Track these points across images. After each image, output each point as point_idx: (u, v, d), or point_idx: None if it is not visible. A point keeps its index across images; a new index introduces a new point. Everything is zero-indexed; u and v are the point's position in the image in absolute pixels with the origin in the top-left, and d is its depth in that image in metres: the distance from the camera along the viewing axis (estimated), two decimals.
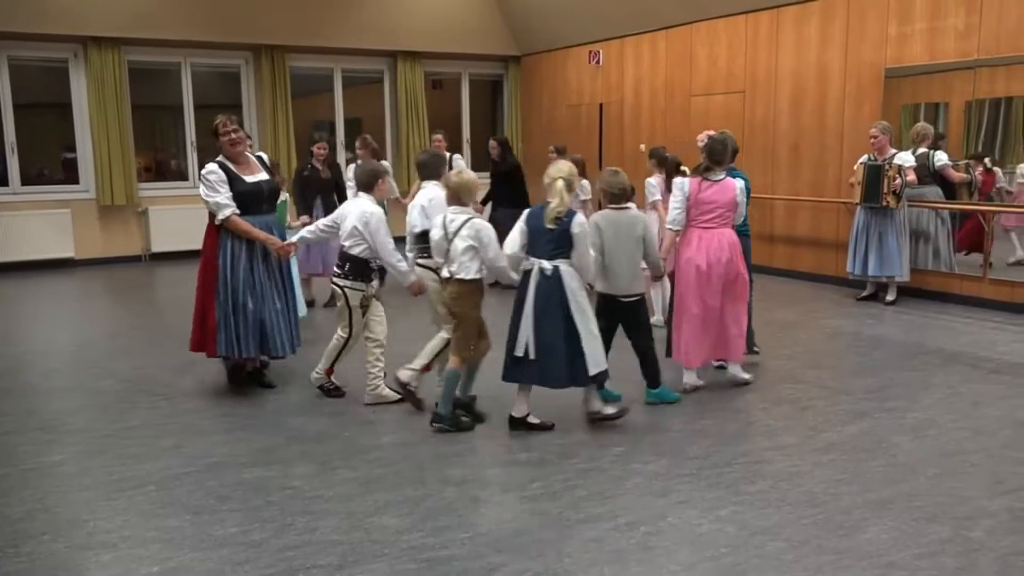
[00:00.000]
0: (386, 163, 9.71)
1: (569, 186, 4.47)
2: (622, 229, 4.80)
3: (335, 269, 5.09)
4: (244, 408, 5.12)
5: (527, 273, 4.48)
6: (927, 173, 7.78)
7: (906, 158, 7.63)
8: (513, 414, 4.64)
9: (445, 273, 4.64)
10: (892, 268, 7.78)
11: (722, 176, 5.23)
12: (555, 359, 4.42)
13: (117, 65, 10.74)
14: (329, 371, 5.24)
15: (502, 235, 4.65)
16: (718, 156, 5.21)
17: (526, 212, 4.62)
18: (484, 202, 9.19)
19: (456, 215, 4.59)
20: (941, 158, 7.79)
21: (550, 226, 4.39)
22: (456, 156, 8.98)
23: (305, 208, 7.74)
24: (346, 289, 4.99)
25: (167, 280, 10.18)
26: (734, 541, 3.36)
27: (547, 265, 4.42)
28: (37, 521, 3.60)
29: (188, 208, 11.30)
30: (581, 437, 4.56)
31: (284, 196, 6.56)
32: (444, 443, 4.49)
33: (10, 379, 5.83)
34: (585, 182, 8.02)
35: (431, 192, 4.98)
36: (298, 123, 12.10)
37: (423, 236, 4.87)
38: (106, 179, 10.80)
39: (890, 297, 7.97)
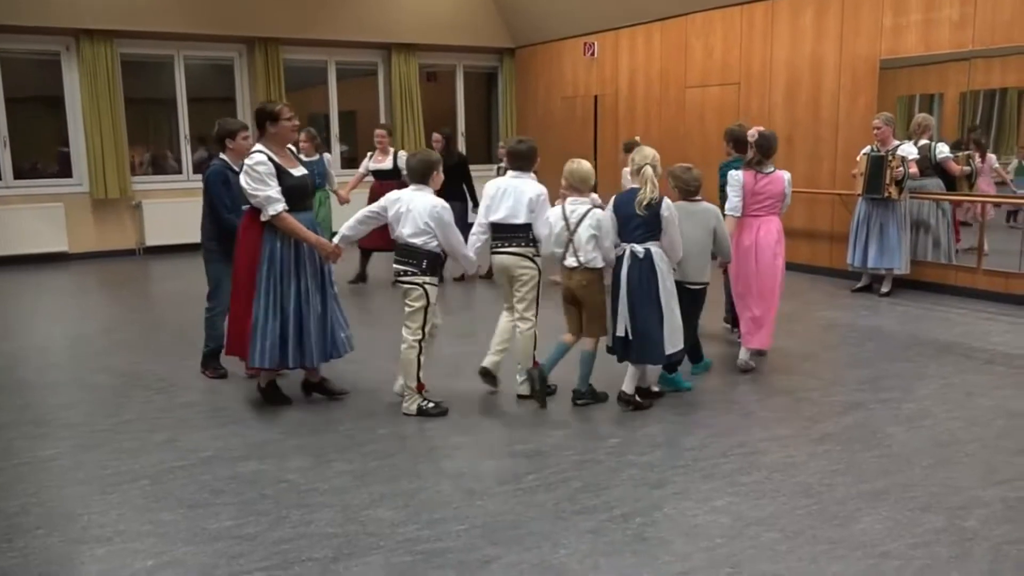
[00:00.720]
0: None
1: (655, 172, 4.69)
2: (695, 220, 5.01)
3: (403, 267, 4.67)
4: (238, 402, 5.11)
5: (620, 258, 4.70)
6: (928, 165, 7.77)
7: (909, 150, 7.62)
8: (624, 390, 4.82)
9: (572, 262, 4.79)
10: (892, 260, 7.79)
11: (772, 169, 5.58)
12: (652, 338, 4.67)
13: (110, 58, 10.68)
14: (421, 387, 4.77)
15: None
16: (767, 150, 5.55)
17: (613, 199, 4.82)
18: None
19: (576, 206, 4.77)
20: (943, 150, 7.79)
21: (641, 212, 4.59)
22: (401, 152, 8.66)
23: None
24: (427, 286, 4.65)
25: (161, 274, 10.15)
26: (729, 532, 3.36)
27: (639, 249, 4.65)
28: (31, 515, 3.59)
29: (182, 202, 11.29)
30: (576, 429, 4.56)
31: None
32: (439, 436, 4.49)
33: (4, 374, 5.81)
34: None
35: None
36: None
37: (499, 226, 4.93)
38: (99, 173, 10.75)
39: (885, 289, 7.98)
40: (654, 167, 4.66)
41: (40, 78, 11.14)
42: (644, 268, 4.63)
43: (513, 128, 13.74)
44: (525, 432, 4.52)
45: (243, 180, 4.62)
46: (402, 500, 3.69)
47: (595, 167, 12.04)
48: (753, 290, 5.56)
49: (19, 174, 10.77)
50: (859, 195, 7.96)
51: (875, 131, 7.71)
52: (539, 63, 13.19)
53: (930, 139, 7.82)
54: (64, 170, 11.09)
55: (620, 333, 4.69)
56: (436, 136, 9.06)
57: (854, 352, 6.16)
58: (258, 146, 4.68)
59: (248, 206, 4.76)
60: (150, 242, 11.21)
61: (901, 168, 7.48)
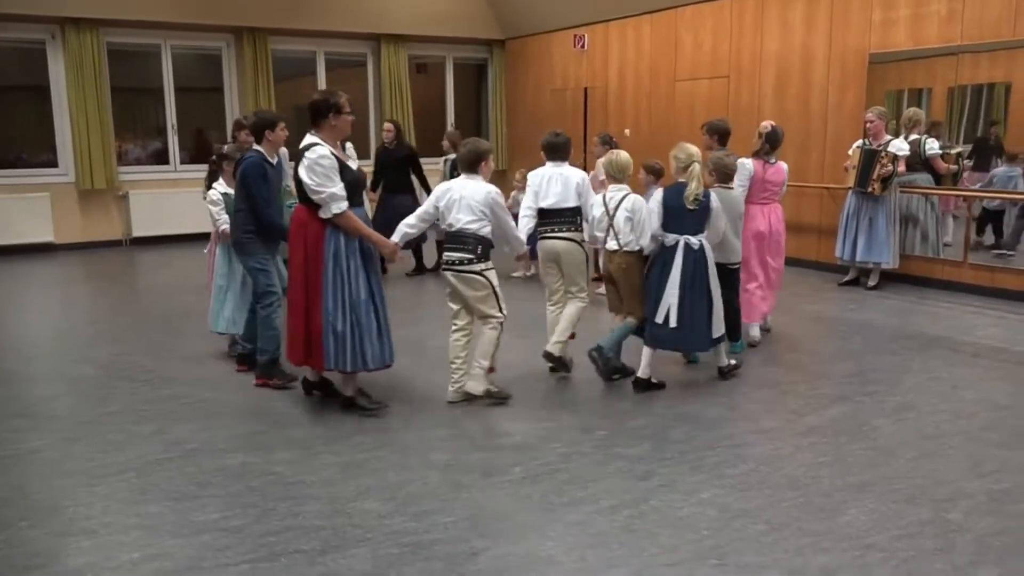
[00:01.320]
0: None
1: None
2: (729, 204, 5.37)
3: (457, 255, 4.67)
4: (225, 394, 5.09)
5: (671, 248, 4.95)
6: (918, 160, 7.80)
7: (900, 146, 7.65)
8: (639, 375, 5.04)
9: (612, 245, 5.12)
10: (880, 254, 7.82)
11: (775, 159, 6.11)
12: (697, 326, 4.96)
13: (96, 47, 10.58)
14: (492, 369, 4.85)
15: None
16: (776, 142, 6.11)
17: (663, 192, 5.04)
18: (374, 188, 8.68)
19: (615, 192, 5.11)
20: (932, 146, 7.82)
21: (691, 206, 4.90)
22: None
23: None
24: (486, 272, 4.70)
25: (148, 265, 10.10)
26: (715, 524, 3.38)
27: (694, 241, 4.94)
28: (15, 508, 3.57)
29: (169, 192, 11.24)
30: (564, 422, 4.57)
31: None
32: (427, 428, 4.49)
33: None
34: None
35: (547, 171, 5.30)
36: (281, 107, 11.97)
37: (550, 211, 5.20)
38: (85, 163, 10.67)
39: (872, 282, 8.02)
40: (700, 164, 5.00)
41: (25, 67, 11.03)
42: (698, 259, 4.93)
43: (503, 120, 13.72)
44: (513, 424, 4.52)
45: (305, 175, 4.34)
46: (389, 492, 3.69)
47: (584, 160, 12.07)
48: (769, 271, 6.13)
49: (4, 164, 10.67)
50: (850, 188, 7.99)
51: (868, 124, 7.72)
52: (529, 55, 13.16)
53: (920, 134, 7.85)
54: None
55: (659, 319, 4.92)
56: (387, 126, 8.97)
57: (841, 345, 6.19)
58: (315, 139, 4.42)
59: (296, 202, 4.61)
60: (137, 233, 11.14)
61: (890, 167, 7.51)
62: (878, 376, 5.36)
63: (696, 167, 4.92)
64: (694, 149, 4.99)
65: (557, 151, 5.29)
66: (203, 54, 11.84)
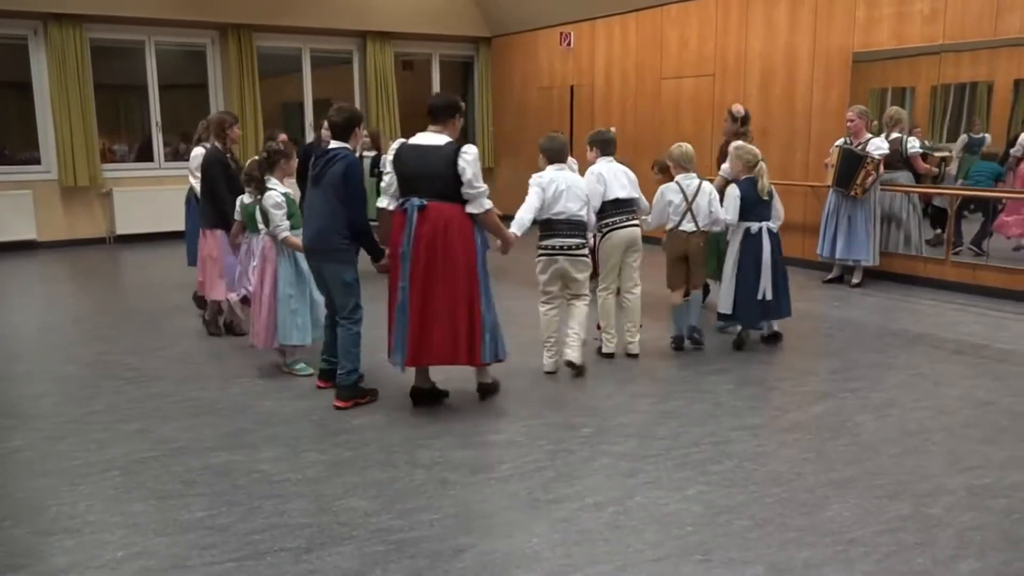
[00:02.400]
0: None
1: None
2: None
3: (573, 240, 5.16)
4: (211, 392, 5.07)
5: (756, 234, 5.69)
6: (899, 158, 7.86)
7: (880, 144, 7.70)
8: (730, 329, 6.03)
9: (690, 227, 5.66)
10: (859, 252, 7.88)
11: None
12: (784, 295, 5.83)
13: (79, 43, 10.50)
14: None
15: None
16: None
17: (739, 187, 5.74)
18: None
19: (689, 180, 5.68)
20: (914, 145, 7.87)
21: (765, 197, 5.73)
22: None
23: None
24: (586, 252, 5.31)
25: (132, 263, 10.03)
26: (700, 520, 3.40)
27: (773, 226, 5.77)
28: None
29: (153, 190, 11.17)
30: (550, 419, 4.58)
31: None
32: (413, 425, 4.49)
33: None
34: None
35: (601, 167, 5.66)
36: (266, 104, 11.94)
37: (621, 202, 5.55)
38: (68, 160, 10.58)
39: (855, 280, 8.07)
40: (763, 161, 5.83)
41: (7, 63, 10.93)
42: (775, 240, 5.76)
43: (489, 118, 13.70)
44: (499, 422, 4.53)
45: (470, 170, 4.41)
46: (375, 490, 3.69)
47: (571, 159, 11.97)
48: None
49: None
50: (828, 186, 8.05)
51: (848, 123, 7.78)
52: (515, 53, 13.16)
53: (901, 132, 7.90)
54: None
55: (760, 296, 5.70)
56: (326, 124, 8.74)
57: (824, 342, 6.23)
58: (447, 138, 4.51)
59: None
60: (121, 231, 11.07)
61: (874, 176, 7.57)
62: (861, 373, 5.40)
63: (763, 164, 5.77)
64: (757, 150, 5.87)
65: (610, 145, 5.79)
66: (188, 51, 11.77)
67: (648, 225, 5.80)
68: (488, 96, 13.72)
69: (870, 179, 7.60)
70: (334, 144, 4.69)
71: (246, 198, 5.53)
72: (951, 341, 6.14)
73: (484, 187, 4.49)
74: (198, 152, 6.86)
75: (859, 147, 7.68)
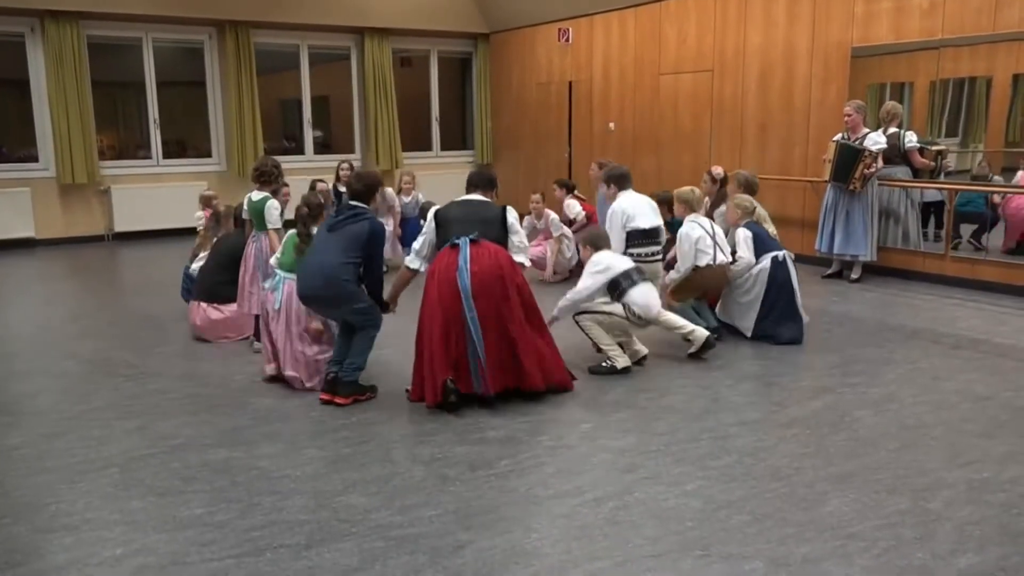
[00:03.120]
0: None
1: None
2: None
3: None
4: (209, 389, 5.07)
5: (782, 261, 6.00)
6: (897, 153, 7.86)
7: (877, 139, 7.69)
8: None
9: (723, 258, 5.89)
10: (857, 247, 7.88)
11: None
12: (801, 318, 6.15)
13: (76, 40, 10.47)
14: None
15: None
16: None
17: (750, 228, 6.08)
18: None
19: (701, 219, 5.97)
20: (911, 139, 7.87)
21: (773, 235, 6.29)
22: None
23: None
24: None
25: (130, 260, 10.02)
26: (699, 515, 3.40)
27: (791, 255, 6.17)
28: None
29: (152, 187, 11.16)
30: (549, 415, 4.58)
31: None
32: (412, 422, 4.49)
33: None
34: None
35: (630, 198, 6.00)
36: (264, 101, 11.93)
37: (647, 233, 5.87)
38: (66, 157, 10.56)
39: (854, 275, 8.07)
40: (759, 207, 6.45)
41: (4, 61, 10.91)
42: (792, 266, 6.14)
43: (488, 114, 13.69)
44: (498, 418, 4.52)
45: (520, 232, 4.85)
46: (375, 486, 3.69)
47: (569, 155, 12.05)
48: None
49: None
50: (825, 181, 8.05)
51: (846, 118, 7.78)
52: (513, 49, 13.14)
53: (899, 127, 7.90)
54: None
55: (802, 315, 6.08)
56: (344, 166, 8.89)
57: (823, 337, 6.23)
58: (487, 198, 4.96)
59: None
60: (119, 228, 11.06)
61: (873, 168, 7.57)
62: (860, 368, 5.40)
63: (761, 209, 6.42)
64: (752, 199, 6.41)
65: (627, 179, 6.06)
66: (185, 47, 11.75)
67: (677, 274, 5.90)
68: (486, 92, 13.70)
69: (868, 172, 7.60)
70: (356, 203, 4.78)
71: (254, 195, 5.55)
72: (950, 336, 6.14)
73: (528, 245, 4.91)
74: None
75: (856, 142, 7.67)
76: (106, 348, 6.00)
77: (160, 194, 11.05)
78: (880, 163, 7.66)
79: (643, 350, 5.45)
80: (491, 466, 3.90)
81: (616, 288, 5.23)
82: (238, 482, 3.74)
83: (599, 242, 5.44)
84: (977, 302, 7.17)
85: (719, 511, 3.43)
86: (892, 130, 7.86)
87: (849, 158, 7.67)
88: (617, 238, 5.72)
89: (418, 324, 4.65)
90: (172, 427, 4.43)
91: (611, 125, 11.32)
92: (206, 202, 7.37)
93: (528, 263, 4.89)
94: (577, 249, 7.11)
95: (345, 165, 9.04)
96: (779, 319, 5.97)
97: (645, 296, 5.23)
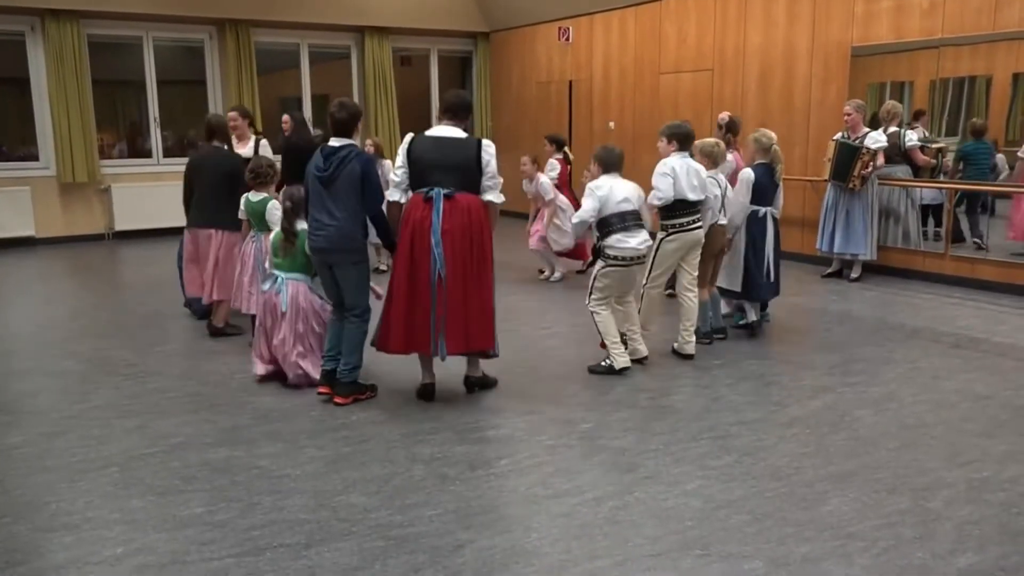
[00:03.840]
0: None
1: None
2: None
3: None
4: (209, 388, 5.07)
5: (761, 217, 5.93)
6: (897, 152, 7.86)
7: (878, 138, 7.70)
8: (745, 320, 6.18)
9: (723, 220, 5.81)
10: (857, 246, 7.89)
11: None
12: (779, 278, 6.16)
13: (76, 39, 10.48)
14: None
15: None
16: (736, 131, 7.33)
17: (754, 172, 5.86)
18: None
19: (718, 176, 5.83)
20: (911, 138, 7.88)
21: (778, 182, 6.02)
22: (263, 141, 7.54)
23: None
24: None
25: (131, 259, 10.02)
26: (699, 515, 3.40)
27: (776, 213, 6.05)
28: None
29: (152, 186, 11.15)
30: (549, 414, 4.58)
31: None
32: (412, 421, 4.49)
33: None
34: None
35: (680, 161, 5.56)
36: (264, 99, 11.93)
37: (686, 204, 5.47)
38: (67, 156, 10.57)
39: (854, 274, 8.08)
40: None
41: (4, 59, 10.91)
42: (776, 228, 6.07)
43: (487, 113, 13.69)
44: (498, 417, 4.53)
45: (494, 162, 4.66)
46: (375, 486, 3.69)
47: (569, 153, 12.02)
48: None
49: None
50: (825, 180, 8.05)
51: (846, 117, 7.78)
52: (513, 48, 13.14)
53: (899, 126, 7.90)
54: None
55: (766, 278, 6.00)
56: (285, 117, 8.52)
57: (823, 337, 6.23)
58: (463, 132, 4.76)
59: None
60: (119, 227, 11.06)
61: (871, 166, 7.58)
62: (860, 367, 5.40)
63: (778, 149, 5.98)
64: (773, 133, 6.03)
65: (689, 139, 5.65)
66: (185, 46, 11.75)
67: (732, 225, 5.90)
68: (486, 91, 13.70)
69: (867, 171, 7.60)
70: (337, 141, 4.63)
71: (252, 195, 5.53)
72: (950, 335, 6.14)
73: (501, 179, 4.70)
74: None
75: (856, 141, 7.68)
76: (106, 347, 6.00)
77: (160, 193, 11.03)
78: (880, 161, 7.67)
79: (644, 350, 5.44)
80: (491, 465, 3.90)
81: (605, 226, 5.15)
82: (238, 481, 3.74)
83: (608, 164, 5.29)
84: (977, 301, 7.17)
85: (719, 510, 3.43)
86: (892, 129, 7.86)
87: (848, 157, 7.68)
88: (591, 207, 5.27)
89: (391, 273, 4.66)
90: (172, 426, 4.43)
91: (611, 124, 11.32)
92: None
93: (501, 199, 4.68)
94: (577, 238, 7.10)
95: (369, 144, 8.77)
96: (755, 279, 5.96)
97: (623, 240, 5.13)
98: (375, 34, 12.46)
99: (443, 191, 4.48)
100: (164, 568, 3.03)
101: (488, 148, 4.62)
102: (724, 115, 7.42)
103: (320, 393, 4.81)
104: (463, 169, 4.54)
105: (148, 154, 11.54)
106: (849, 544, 3.16)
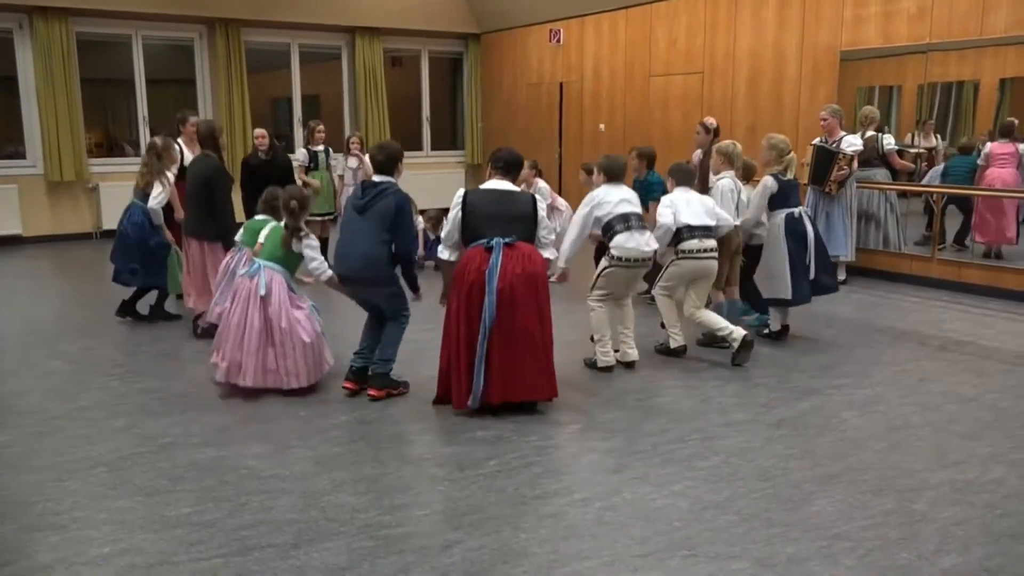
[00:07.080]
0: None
1: None
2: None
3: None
4: (198, 388, 5.05)
5: (798, 218, 5.85)
6: (876, 155, 7.95)
7: (853, 141, 7.77)
8: (771, 328, 6.13)
9: (738, 222, 5.90)
10: (837, 247, 7.94)
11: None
12: (832, 273, 6.23)
13: (65, 36, 10.41)
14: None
15: None
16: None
17: (774, 177, 5.78)
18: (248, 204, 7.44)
19: (735, 180, 6.00)
20: (889, 142, 7.97)
21: (797, 181, 6.06)
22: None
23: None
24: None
25: None
26: (686, 515, 3.42)
27: (808, 211, 6.13)
28: None
29: None
30: (538, 415, 4.59)
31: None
32: (401, 422, 4.49)
33: None
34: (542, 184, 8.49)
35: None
36: (254, 99, 11.89)
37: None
38: (54, 154, 10.50)
39: (840, 277, 8.11)
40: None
41: None
42: (814, 223, 6.11)
43: (478, 114, 13.69)
44: (487, 418, 4.53)
45: (547, 219, 4.81)
46: (363, 486, 3.69)
47: (560, 155, 12.04)
48: None
49: None
50: (805, 184, 8.12)
51: (822, 123, 7.86)
52: (504, 49, 13.15)
53: (876, 130, 8.00)
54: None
55: (812, 276, 5.93)
56: (259, 132, 8.43)
57: (811, 339, 6.26)
58: (515, 187, 4.89)
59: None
60: (107, 226, 10.95)
61: (846, 170, 7.66)
62: (847, 369, 5.44)
63: (793, 155, 5.95)
64: (786, 137, 6.07)
65: (688, 177, 5.76)
66: (175, 45, 11.70)
67: (746, 223, 5.96)
68: (477, 92, 13.70)
69: (842, 174, 7.68)
70: (379, 178, 4.75)
71: (260, 218, 5.37)
72: (936, 338, 6.19)
73: (554, 235, 4.84)
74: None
75: (833, 145, 7.75)
76: (93, 346, 5.97)
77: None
78: (855, 165, 7.74)
79: (634, 355, 5.44)
80: (480, 466, 3.91)
81: (609, 230, 5.22)
82: (226, 481, 3.73)
83: (612, 173, 5.34)
84: (963, 304, 7.23)
85: (706, 511, 3.45)
86: (870, 133, 7.96)
87: (825, 160, 7.76)
88: (581, 223, 5.33)
89: (444, 325, 4.62)
90: (160, 426, 4.42)
91: (601, 127, 11.35)
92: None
93: (554, 256, 4.82)
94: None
95: (355, 139, 9.10)
96: (800, 282, 5.86)
97: (627, 240, 5.18)
98: (366, 34, 12.45)
99: (504, 240, 4.49)
100: (152, 568, 3.02)
101: (541, 202, 4.78)
102: (711, 120, 7.49)
103: (345, 388, 4.84)
104: (521, 220, 4.61)
105: (136, 153, 11.47)
106: (835, 545, 3.18)
